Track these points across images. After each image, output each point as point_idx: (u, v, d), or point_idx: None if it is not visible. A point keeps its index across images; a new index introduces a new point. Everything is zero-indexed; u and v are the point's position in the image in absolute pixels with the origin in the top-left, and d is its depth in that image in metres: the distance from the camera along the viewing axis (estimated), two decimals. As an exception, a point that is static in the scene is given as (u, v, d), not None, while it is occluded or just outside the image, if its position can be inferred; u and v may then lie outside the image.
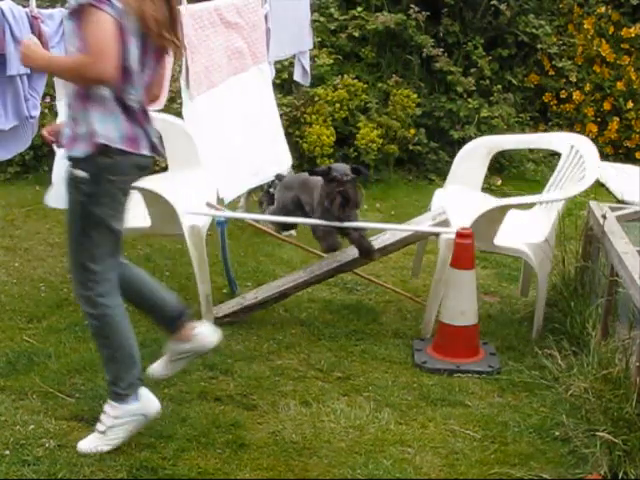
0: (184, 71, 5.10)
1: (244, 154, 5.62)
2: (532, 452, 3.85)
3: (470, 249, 4.59)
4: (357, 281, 5.67)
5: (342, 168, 4.95)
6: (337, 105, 8.03)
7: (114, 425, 3.71)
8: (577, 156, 5.12)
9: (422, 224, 5.11)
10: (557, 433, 3.95)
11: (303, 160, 7.74)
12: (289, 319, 5.16)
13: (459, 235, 4.60)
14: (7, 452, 3.72)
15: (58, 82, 4.50)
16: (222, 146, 5.40)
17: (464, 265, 4.60)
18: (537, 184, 5.68)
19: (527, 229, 5.08)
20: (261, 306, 5.07)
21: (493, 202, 5.05)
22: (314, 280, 5.08)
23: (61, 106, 4.53)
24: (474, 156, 5.47)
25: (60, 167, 4.56)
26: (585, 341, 4.27)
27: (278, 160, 6.10)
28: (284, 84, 7.95)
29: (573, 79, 8.97)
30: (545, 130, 9.04)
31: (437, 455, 3.84)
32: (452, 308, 4.63)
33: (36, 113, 4.31)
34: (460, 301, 4.62)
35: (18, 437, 3.82)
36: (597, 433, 3.64)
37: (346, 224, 4.88)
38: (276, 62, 6.29)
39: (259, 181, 5.92)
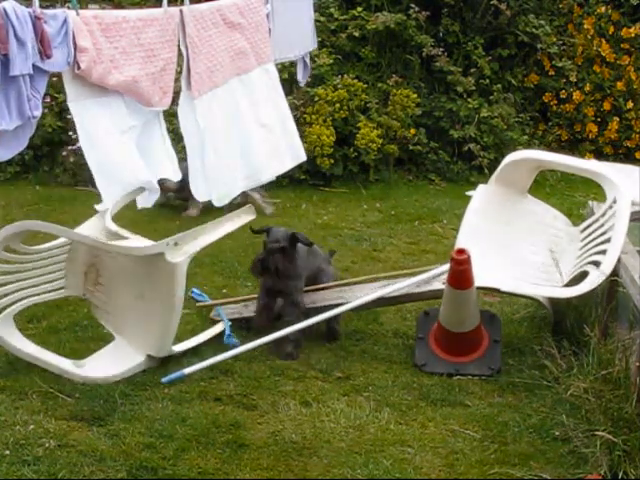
0: (185, 72, 5.10)
1: (243, 156, 5.61)
2: (532, 452, 3.85)
3: (467, 272, 4.47)
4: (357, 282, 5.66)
5: (277, 235, 4.79)
6: (337, 105, 8.03)
7: None
8: (612, 216, 4.71)
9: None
10: (557, 433, 3.95)
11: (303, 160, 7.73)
12: (289, 319, 5.16)
13: (456, 262, 4.45)
14: (7, 452, 3.72)
15: (67, 82, 4.48)
16: (219, 147, 5.39)
17: (462, 286, 4.49)
18: (535, 184, 5.65)
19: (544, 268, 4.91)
20: None
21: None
22: (313, 311, 4.91)
23: (74, 107, 4.51)
24: (524, 166, 5.25)
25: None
26: (585, 341, 4.27)
27: (290, 157, 6.09)
28: (284, 84, 7.94)
29: (573, 79, 8.97)
30: (545, 130, 9.05)
31: (437, 455, 3.84)
32: (451, 318, 4.61)
33: (38, 113, 4.29)
34: (459, 315, 4.60)
35: (18, 437, 3.83)
36: (597, 433, 3.64)
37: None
38: (277, 62, 6.26)
39: (254, 183, 5.91)
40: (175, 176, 5.08)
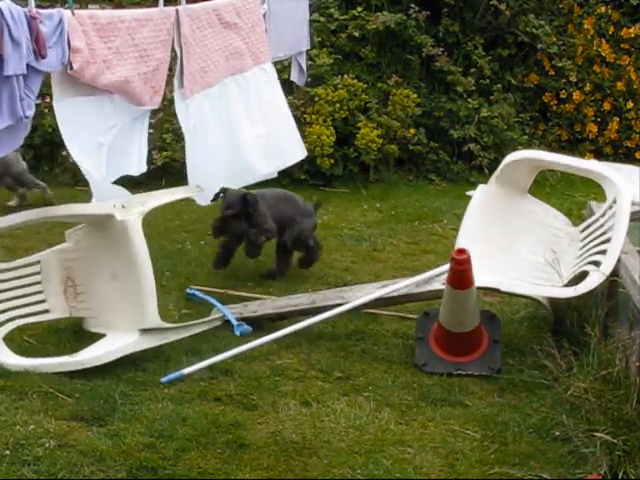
0: (178, 71, 5.10)
1: (234, 154, 5.62)
2: (532, 452, 3.85)
3: (467, 272, 4.47)
4: (357, 281, 5.66)
5: (230, 200, 5.42)
6: (337, 105, 8.03)
7: None
8: (612, 216, 4.72)
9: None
10: (557, 433, 3.95)
11: (303, 160, 7.72)
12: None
13: (456, 262, 4.45)
14: (7, 452, 3.71)
15: (56, 82, 4.48)
16: (211, 146, 5.40)
17: (462, 286, 4.49)
18: (535, 184, 5.65)
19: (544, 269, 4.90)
20: (258, 321, 5.06)
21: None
22: (313, 310, 4.95)
23: (59, 107, 4.52)
24: (524, 166, 5.26)
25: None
26: (585, 341, 4.27)
27: (287, 154, 6.10)
28: (284, 84, 7.95)
29: (573, 79, 8.97)
30: (545, 130, 9.05)
31: (437, 455, 3.84)
32: (451, 318, 4.61)
33: (30, 113, 4.30)
34: (459, 315, 4.59)
35: (18, 437, 3.82)
36: (597, 433, 3.64)
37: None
38: (276, 62, 6.29)
39: (247, 180, 5.92)
40: (137, 171, 5.12)
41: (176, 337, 4.68)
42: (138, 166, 5.11)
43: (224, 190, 5.51)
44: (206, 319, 4.91)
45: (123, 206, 4.68)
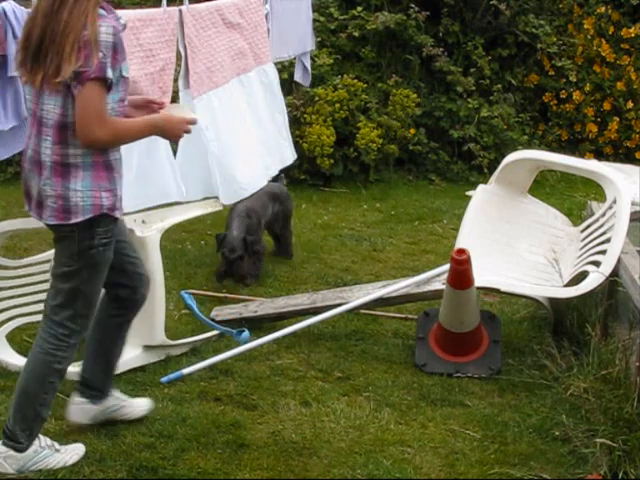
0: (183, 71, 5.08)
1: (243, 157, 5.61)
2: (532, 452, 3.85)
3: (467, 272, 4.46)
4: (357, 281, 5.66)
5: (232, 243, 5.50)
6: (337, 105, 8.03)
7: None
8: (612, 216, 4.73)
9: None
10: (557, 433, 3.95)
11: (303, 160, 7.74)
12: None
13: (456, 262, 4.44)
14: (7, 452, 3.71)
15: None
16: (219, 149, 5.38)
17: (462, 286, 4.49)
18: (535, 184, 5.66)
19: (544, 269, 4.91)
20: (258, 321, 5.06)
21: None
22: (313, 311, 4.95)
23: None
24: (524, 166, 5.25)
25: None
26: (585, 341, 4.27)
27: (280, 158, 6.08)
28: (284, 84, 7.94)
29: (573, 79, 8.96)
30: (545, 130, 9.04)
31: (437, 455, 3.84)
32: (451, 319, 4.61)
33: (34, 113, 4.29)
34: (459, 314, 4.59)
35: (18, 437, 3.82)
36: (597, 439, 3.64)
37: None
38: (276, 62, 6.27)
39: (263, 182, 5.89)
40: (178, 196, 5.04)
41: (178, 351, 4.67)
42: (177, 192, 5.05)
43: (220, 235, 5.63)
44: (207, 335, 4.86)
45: (143, 221, 4.64)
